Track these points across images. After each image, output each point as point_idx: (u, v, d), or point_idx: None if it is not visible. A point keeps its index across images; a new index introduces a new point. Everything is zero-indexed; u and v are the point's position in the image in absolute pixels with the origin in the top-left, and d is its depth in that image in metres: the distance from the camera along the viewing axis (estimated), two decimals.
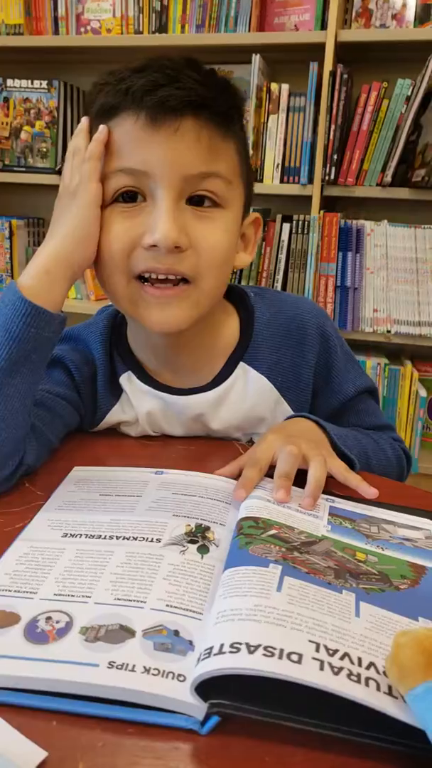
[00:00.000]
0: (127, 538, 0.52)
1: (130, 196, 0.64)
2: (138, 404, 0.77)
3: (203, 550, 0.51)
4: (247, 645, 0.36)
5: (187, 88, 0.60)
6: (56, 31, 1.95)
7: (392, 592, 0.46)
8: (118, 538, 0.53)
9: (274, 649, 0.36)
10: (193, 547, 0.51)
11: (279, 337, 0.77)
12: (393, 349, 1.93)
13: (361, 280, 1.79)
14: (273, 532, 0.51)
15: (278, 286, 1.85)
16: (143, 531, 0.53)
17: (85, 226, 0.64)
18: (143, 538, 0.52)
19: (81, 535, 0.53)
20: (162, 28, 1.86)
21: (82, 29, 1.93)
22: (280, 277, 1.85)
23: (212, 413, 0.76)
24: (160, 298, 0.65)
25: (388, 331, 1.78)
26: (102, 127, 0.63)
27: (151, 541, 0.52)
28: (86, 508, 0.58)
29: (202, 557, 0.50)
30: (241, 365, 0.76)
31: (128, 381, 0.77)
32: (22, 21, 1.93)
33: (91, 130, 0.66)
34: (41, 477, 0.67)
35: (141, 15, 1.86)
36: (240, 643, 0.36)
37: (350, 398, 0.80)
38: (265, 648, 0.36)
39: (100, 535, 0.53)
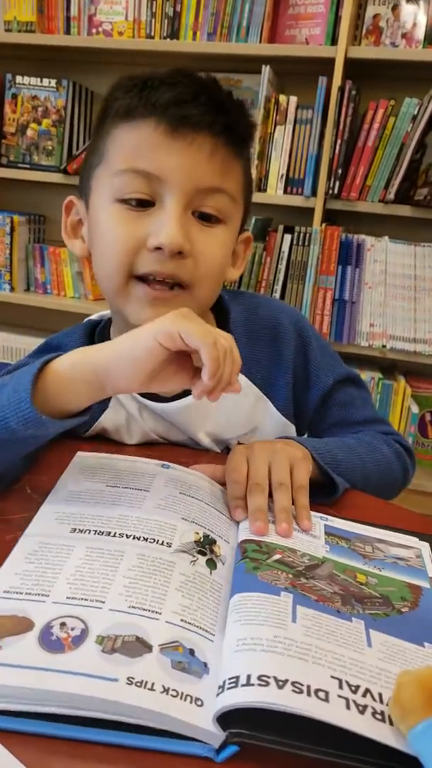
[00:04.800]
0: (137, 538, 0.52)
1: (139, 202, 0.65)
2: (127, 404, 0.76)
3: (211, 564, 0.51)
4: (275, 679, 0.37)
5: (209, 107, 0.64)
6: (68, 31, 1.95)
7: (396, 616, 0.47)
8: (128, 536, 0.52)
9: (302, 685, 0.37)
10: (203, 560, 0.51)
11: (255, 336, 0.79)
12: (387, 364, 1.95)
13: (359, 295, 1.81)
14: (277, 557, 0.52)
15: (276, 296, 1.86)
16: (153, 532, 0.53)
17: (138, 374, 0.57)
18: (153, 540, 0.52)
19: (90, 530, 0.53)
20: (174, 34, 1.86)
21: (94, 30, 1.93)
22: (278, 287, 1.86)
23: (194, 414, 0.76)
24: (156, 300, 0.66)
25: (384, 346, 1.80)
26: None
27: (162, 544, 0.52)
28: (93, 500, 0.58)
29: (210, 572, 0.50)
30: None
31: None
32: (34, 19, 1.93)
33: (107, 129, 0.67)
34: (43, 483, 0.66)
35: (153, 20, 1.87)
36: (268, 677, 0.37)
37: (330, 389, 0.80)
38: (293, 684, 0.37)
39: (110, 532, 0.53)
